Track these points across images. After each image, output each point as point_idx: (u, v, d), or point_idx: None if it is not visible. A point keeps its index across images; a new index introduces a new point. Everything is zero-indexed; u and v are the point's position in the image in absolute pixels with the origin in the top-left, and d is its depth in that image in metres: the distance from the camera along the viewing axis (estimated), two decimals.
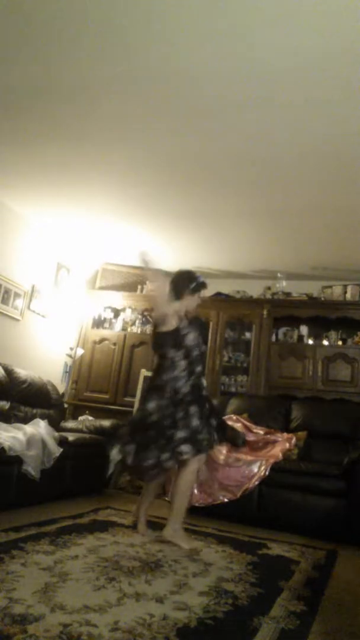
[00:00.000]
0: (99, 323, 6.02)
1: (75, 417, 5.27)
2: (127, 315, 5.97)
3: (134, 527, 3.09)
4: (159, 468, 2.87)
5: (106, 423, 4.59)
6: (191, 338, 2.99)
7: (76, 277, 5.95)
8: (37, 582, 2.02)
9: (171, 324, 2.95)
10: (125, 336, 5.82)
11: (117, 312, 6.04)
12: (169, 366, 2.94)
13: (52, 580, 2.07)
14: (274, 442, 4.12)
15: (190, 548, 2.78)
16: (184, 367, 2.93)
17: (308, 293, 5.45)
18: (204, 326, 3.03)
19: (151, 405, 2.89)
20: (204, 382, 3.06)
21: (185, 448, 2.80)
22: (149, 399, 2.93)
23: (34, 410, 4.32)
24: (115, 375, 5.71)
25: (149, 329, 5.83)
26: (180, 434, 2.81)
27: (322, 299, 5.36)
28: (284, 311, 5.36)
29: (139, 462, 2.82)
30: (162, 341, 2.98)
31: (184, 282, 3.07)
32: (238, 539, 3.18)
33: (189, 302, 3.06)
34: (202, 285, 3.11)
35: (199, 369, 3.01)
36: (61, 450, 3.65)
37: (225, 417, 4.50)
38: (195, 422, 2.85)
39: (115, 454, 2.89)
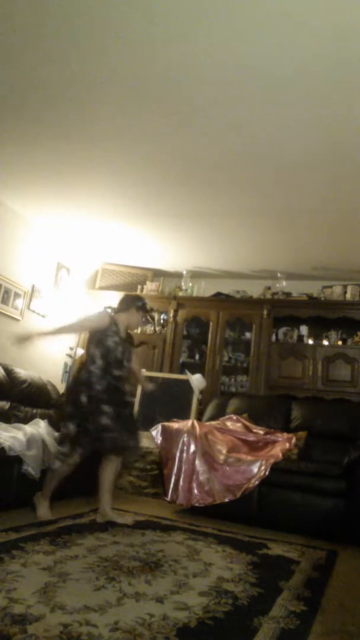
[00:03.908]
0: None
1: None
2: None
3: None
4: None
5: None
6: (113, 342, 3.25)
7: (76, 277, 5.95)
8: (37, 582, 2.02)
9: (101, 326, 3.28)
10: None
11: None
12: (88, 362, 3.24)
13: (52, 580, 2.07)
14: (274, 442, 4.12)
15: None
16: (100, 365, 3.20)
17: (308, 293, 5.45)
18: (131, 344, 3.54)
19: (83, 398, 3.15)
20: (126, 389, 3.33)
21: (84, 440, 3.12)
22: (80, 393, 3.17)
23: (34, 410, 4.32)
24: None
25: (149, 329, 5.84)
26: (90, 427, 3.10)
27: (322, 299, 5.36)
28: (284, 311, 5.36)
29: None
30: (89, 338, 3.32)
31: (134, 300, 3.50)
32: (238, 539, 3.18)
33: (133, 317, 3.43)
34: (146, 306, 3.50)
35: (117, 372, 3.25)
36: None
37: (225, 417, 4.52)
38: (103, 420, 3.10)
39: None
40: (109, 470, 3.30)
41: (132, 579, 2.19)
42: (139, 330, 5.83)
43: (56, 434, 3.79)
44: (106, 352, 3.22)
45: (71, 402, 3.23)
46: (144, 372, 5.28)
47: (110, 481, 3.33)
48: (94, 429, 3.09)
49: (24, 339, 3.18)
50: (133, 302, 3.45)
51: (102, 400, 3.13)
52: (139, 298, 3.55)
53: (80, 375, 3.25)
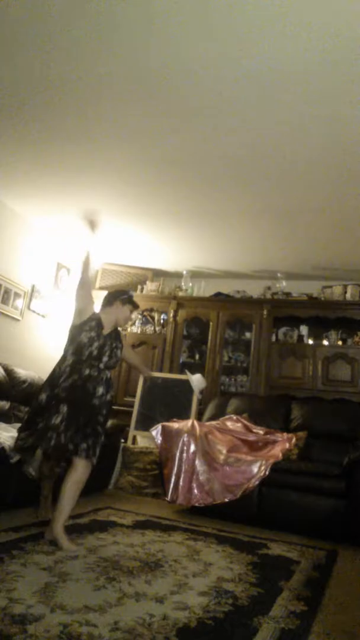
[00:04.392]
0: None
1: None
2: None
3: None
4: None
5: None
6: (88, 337, 2.92)
7: (76, 277, 5.94)
8: (37, 582, 2.03)
9: (79, 319, 2.98)
10: (125, 336, 5.81)
11: None
12: (61, 360, 2.96)
13: (52, 580, 2.08)
14: (274, 442, 4.13)
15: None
16: (69, 362, 2.90)
17: (308, 293, 5.45)
18: (119, 339, 3.12)
19: (42, 397, 2.90)
20: (100, 391, 2.91)
21: (24, 435, 2.88)
22: (42, 392, 2.93)
23: None
24: (115, 375, 5.71)
25: (149, 328, 5.84)
26: (40, 425, 2.80)
27: (322, 299, 5.36)
28: (284, 311, 5.36)
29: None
30: (68, 336, 3.01)
31: (117, 293, 3.21)
32: (238, 539, 3.18)
33: (119, 311, 3.11)
34: (131, 298, 3.19)
35: (88, 371, 2.88)
36: None
37: (225, 417, 4.52)
38: (54, 420, 2.75)
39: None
40: (68, 480, 2.78)
41: (132, 579, 2.19)
42: (139, 331, 5.84)
43: None
44: (79, 349, 2.89)
45: (34, 400, 3.00)
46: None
47: (68, 493, 2.76)
48: (43, 427, 2.76)
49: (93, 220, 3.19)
50: (117, 296, 3.16)
51: (61, 399, 2.80)
52: (123, 291, 3.27)
53: (48, 376, 3.00)
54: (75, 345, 2.92)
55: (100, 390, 2.92)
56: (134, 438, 5.07)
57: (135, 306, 3.21)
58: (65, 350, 2.97)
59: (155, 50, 2.51)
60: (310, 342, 5.30)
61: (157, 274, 6.09)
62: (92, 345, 2.91)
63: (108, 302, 3.16)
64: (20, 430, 2.97)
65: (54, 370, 2.96)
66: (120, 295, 3.17)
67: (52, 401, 2.83)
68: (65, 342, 3.01)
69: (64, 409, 2.78)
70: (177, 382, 5.15)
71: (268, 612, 1.98)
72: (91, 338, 2.92)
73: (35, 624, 1.64)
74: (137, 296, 5.92)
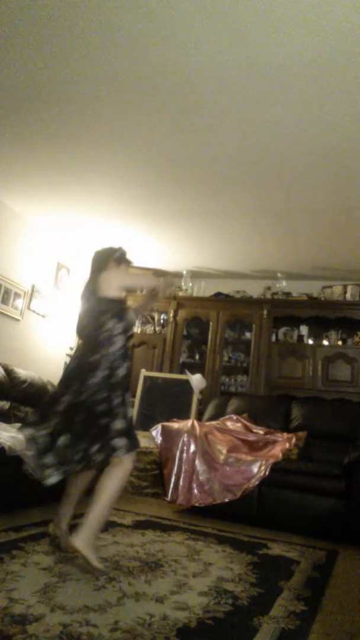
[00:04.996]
0: None
1: None
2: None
3: (52, 541, 2.55)
4: (87, 461, 2.36)
5: None
6: (131, 315, 2.58)
7: (76, 277, 5.95)
8: (37, 582, 2.03)
9: (117, 294, 2.52)
10: None
11: None
12: (105, 339, 2.43)
13: (52, 580, 2.08)
14: (274, 442, 4.12)
15: (96, 567, 2.20)
16: (121, 344, 2.46)
17: (308, 293, 5.45)
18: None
19: (89, 384, 2.36)
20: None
21: (120, 442, 2.32)
22: (86, 378, 2.37)
23: (34, 410, 4.32)
24: None
25: (149, 328, 5.84)
26: (118, 424, 2.34)
27: (322, 299, 5.36)
28: (284, 311, 5.37)
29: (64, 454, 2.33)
30: (104, 307, 2.47)
31: (107, 252, 2.67)
32: (238, 539, 3.18)
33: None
34: (125, 255, 2.66)
35: (129, 353, 2.59)
36: None
37: (225, 417, 4.52)
38: (130, 412, 2.43)
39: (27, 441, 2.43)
40: (113, 477, 2.36)
41: (132, 579, 2.19)
42: (139, 330, 5.84)
43: None
44: (128, 328, 2.50)
45: (70, 392, 2.38)
46: (144, 372, 5.28)
47: (110, 489, 2.35)
48: (119, 429, 2.32)
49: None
50: (108, 257, 2.62)
51: (126, 389, 2.42)
52: (113, 249, 2.67)
53: (89, 359, 2.40)
54: (126, 324, 2.49)
55: None
56: None
57: (130, 264, 2.72)
58: (111, 329, 2.43)
59: (155, 50, 2.51)
60: (310, 342, 5.30)
61: (157, 274, 6.09)
62: (133, 326, 2.60)
63: (99, 267, 2.61)
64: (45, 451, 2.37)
65: (95, 355, 2.40)
66: (112, 254, 2.63)
67: (116, 394, 2.37)
68: (103, 320, 2.45)
69: (128, 399, 2.44)
70: (177, 382, 5.15)
71: (268, 612, 1.98)
72: (132, 316, 2.61)
73: (35, 624, 1.64)
74: (137, 296, 5.93)
